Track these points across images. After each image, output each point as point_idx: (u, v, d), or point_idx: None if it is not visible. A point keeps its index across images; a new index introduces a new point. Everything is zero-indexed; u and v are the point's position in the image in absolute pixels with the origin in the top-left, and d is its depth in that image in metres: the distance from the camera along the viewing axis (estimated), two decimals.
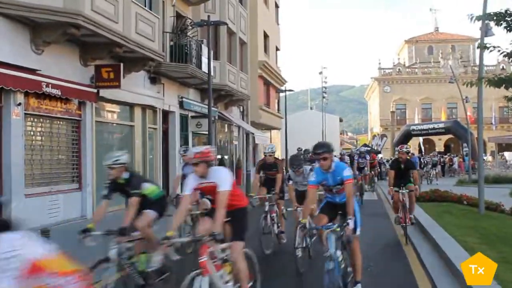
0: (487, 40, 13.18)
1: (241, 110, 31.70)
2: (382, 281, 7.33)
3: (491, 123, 59.27)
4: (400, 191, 11.14)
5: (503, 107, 58.83)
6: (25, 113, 12.27)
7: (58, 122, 13.88)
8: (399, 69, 71.76)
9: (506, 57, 9.96)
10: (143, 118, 18.39)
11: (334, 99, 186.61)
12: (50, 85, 12.35)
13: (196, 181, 5.85)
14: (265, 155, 10.79)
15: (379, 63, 72.47)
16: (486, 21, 11.04)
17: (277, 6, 42.03)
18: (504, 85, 10.47)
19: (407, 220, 10.86)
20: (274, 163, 10.67)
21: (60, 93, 12.74)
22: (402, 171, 11.32)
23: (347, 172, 6.54)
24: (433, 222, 12.03)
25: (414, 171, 11.53)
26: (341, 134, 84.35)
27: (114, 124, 17.23)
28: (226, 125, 29.08)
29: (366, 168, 21.98)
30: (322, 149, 6.43)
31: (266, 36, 37.16)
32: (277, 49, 41.71)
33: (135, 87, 17.14)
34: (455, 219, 12.59)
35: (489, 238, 9.69)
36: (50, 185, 13.34)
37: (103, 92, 15.04)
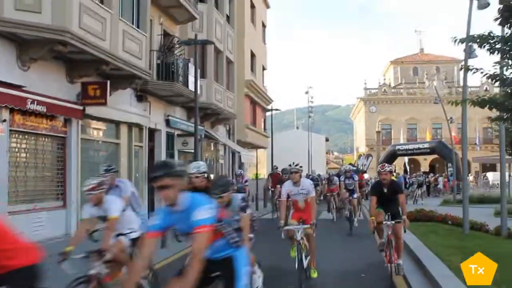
0: (470, 62, 13.38)
1: (228, 128, 31.71)
2: None
3: (475, 144, 59.74)
4: (385, 222, 8.97)
5: (487, 127, 59.37)
6: (10, 130, 12.19)
7: (43, 139, 13.81)
8: (384, 90, 72.39)
9: (489, 79, 10.07)
10: (129, 136, 18.33)
11: (320, 118, 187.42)
12: (35, 102, 12.31)
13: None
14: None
15: (365, 83, 73.14)
16: (470, 43, 11.18)
17: (264, 25, 42.30)
18: (487, 106, 10.56)
19: (393, 259, 8.85)
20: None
21: (45, 110, 12.69)
22: (386, 195, 9.20)
23: (202, 213, 3.91)
24: (418, 242, 12.05)
25: (401, 195, 9.35)
26: (327, 153, 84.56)
27: (100, 142, 17.15)
28: (212, 144, 29.04)
29: (355, 190, 17.98)
30: (161, 171, 3.87)
31: (253, 55, 37.35)
32: (263, 68, 41.91)
33: (122, 104, 17.10)
34: (440, 239, 12.62)
35: None
36: (34, 202, 13.22)
37: (89, 110, 14.99)
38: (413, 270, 9.49)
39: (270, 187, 22.63)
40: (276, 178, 21.21)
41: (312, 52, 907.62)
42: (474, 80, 58.98)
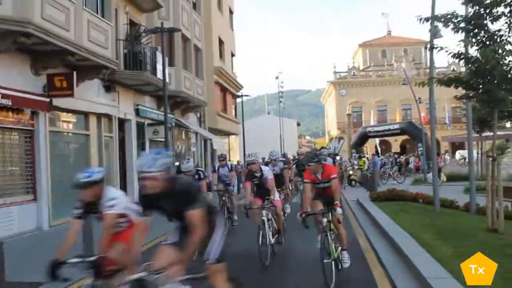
0: (436, 42, 13.52)
1: (198, 116, 31.58)
2: (341, 281, 7.38)
3: (445, 123, 60.54)
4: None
5: (455, 107, 60.21)
6: None
7: (10, 132, 13.57)
8: (354, 73, 72.85)
9: (454, 57, 10.21)
10: (98, 127, 18.11)
11: (292, 103, 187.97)
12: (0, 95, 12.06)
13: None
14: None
15: (335, 67, 73.40)
16: (435, 23, 11.30)
17: (231, 12, 42.08)
18: (454, 85, 10.72)
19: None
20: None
21: (10, 103, 12.45)
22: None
23: None
24: (390, 220, 12.22)
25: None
26: (299, 137, 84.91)
27: (69, 134, 16.92)
28: (183, 132, 28.92)
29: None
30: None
31: (221, 42, 37.16)
32: (232, 54, 41.75)
33: (90, 95, 16.88)
34: (411, 217, 12.81)
35: (444, 234, 9.89)
36: (4, 197, 13.01)
37: (56, 101, 14.76)
38: (386, 249, 9.61)
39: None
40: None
41: (282, 38, 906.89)
42: (442, 61, 60.48)
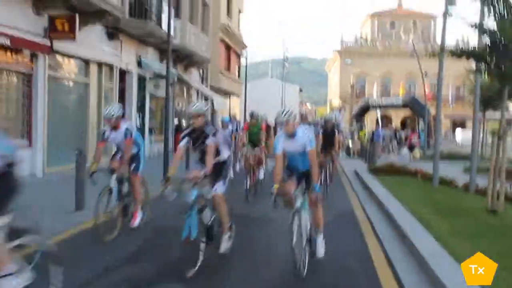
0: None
1: (201, 73, 31.16)
2: (335, 250, 7.22)
3: (448, 101, 60.16)
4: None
5: (459, 86, 59.74)
6: None
7: (8, 74, 13.25)
8: (361, 43, 72.02)
9: (471, 27, 9.86)
10: (99, 76, 17.78)
11: (295, 70, 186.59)
12: None
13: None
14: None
15: (342, 36, 72.64)
16: None
17: None
18: (465, 57, 10.43)
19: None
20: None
21: (9, 43, 12.06)
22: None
23: None
24: (387, 193, 12.05)
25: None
26: (300, 103, 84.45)
27: (69, 81, 16.56)
28: (184, 89, 28.56)
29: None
30: None
31: None
32: (240, 11, 41.00)
33: (92, 42, 16.51)
34: (409, 192, 12.62)
35: (442, 211, 9.72)
36: None
37: (57, 45, 14.40)
38: (382, 222, 9.45)
39: None
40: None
41: (290, 5, 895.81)
42: (449, 39, 58.87)
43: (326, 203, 11.06)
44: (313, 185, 6.26)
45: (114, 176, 7.72)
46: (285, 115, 6.21)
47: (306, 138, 6.22)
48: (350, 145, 30.90)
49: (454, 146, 40.91)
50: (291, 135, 6.28)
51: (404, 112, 58.51)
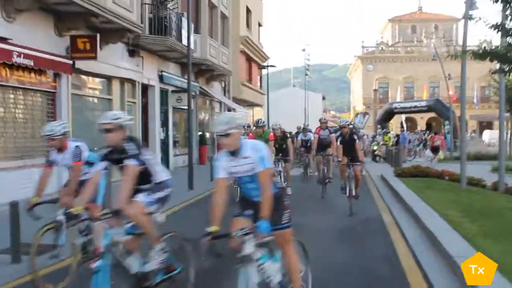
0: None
1: (223, 85, 31.31)
2: (364, 256, 7.14)
3: (473, 102, 59.48)
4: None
5: (485, 86, 59.03)
6: None
7: (32, 94, 13.45)
8: (382, 48, 71.77)
9: (492, 28, 9.74)
10: (121, 92, 17.97)
11: (317, 77, 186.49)
12: (22, 55, 11.85)
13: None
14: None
15: (362, 42, 72.51)
16: None
17: None
18: (488, 58, 10.30)
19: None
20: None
21: (32, 64, 12.25)
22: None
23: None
24: (415, 196, 11.90)
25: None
26: (324, 112, 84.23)
27: (92, 98, 16.77)
28: (207, 101, 28.70)
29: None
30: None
31: (248, 11, 36.64)
32: (259, 25, 41.20)
33: (113, 59, 16.69)
34: (437, 194, 12.45)
35: (471, 212, 9.56)
36: (24, 158, 12.94)
37: (79, 64, 14.58)
38: (410, 225, 9.33)
39: None
40: None
41: (310, 11, 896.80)
42: (472, 40, 58.54)
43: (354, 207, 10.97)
44: (258, 223, 4.26)
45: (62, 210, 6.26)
46: (220, 125, 4.39)
47: (256, 156, 4.42)
48: (376, 150, 30.61)
49: (481, 147, 40.38)
50: (234, 153, 4.47)
51: (429, 115, 57.94)
